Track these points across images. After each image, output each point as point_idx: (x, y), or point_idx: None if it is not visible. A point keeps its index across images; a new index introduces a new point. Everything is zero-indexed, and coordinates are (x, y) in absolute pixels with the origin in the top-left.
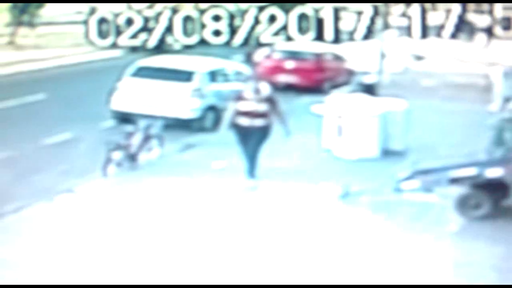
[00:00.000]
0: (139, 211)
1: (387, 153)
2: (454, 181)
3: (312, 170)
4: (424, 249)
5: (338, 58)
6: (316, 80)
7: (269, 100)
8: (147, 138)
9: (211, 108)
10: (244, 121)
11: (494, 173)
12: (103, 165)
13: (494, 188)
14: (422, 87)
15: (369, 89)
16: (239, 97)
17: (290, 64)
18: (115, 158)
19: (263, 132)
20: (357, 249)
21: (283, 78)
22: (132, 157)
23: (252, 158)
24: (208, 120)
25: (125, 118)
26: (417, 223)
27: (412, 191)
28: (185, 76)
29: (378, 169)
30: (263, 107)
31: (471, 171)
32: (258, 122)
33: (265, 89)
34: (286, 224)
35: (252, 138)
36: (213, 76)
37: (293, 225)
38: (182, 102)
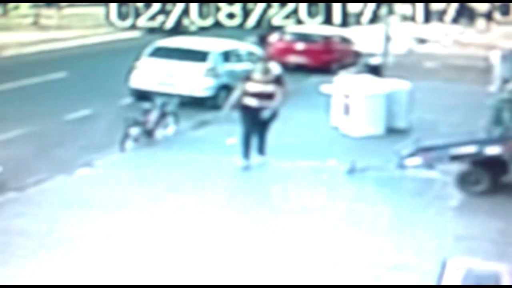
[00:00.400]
0: (154, 184)
1: (391, 131)
2: (455, 158)
3: (320, 147)
4: (426, 223)
5: (345, 40)
6: (324, 61)
7: (277, 81)
8: (163, 115)
9: (225, 87)
10: (252, 102)
11: (493, 150)
12: (121, 141)
13: (493, 165)
14: (425, 68)
15: (375, 70)
16: (247, 78)
17: (300, 46)
18: (132, 134)
19: (271, 113)
20: (362, 222)
21: (293, 59)
22: (149, 133)
23: (261, 138)
24: (221, 98)
25: (142, 96)
26: (420, 198)
27: (415, 167)
28: (200, 56)
29: (382, 146)
30: (271, 88)
31: (471, 149)
32: (267, 104)
33: (275, 68)
34: (295, 198)
35: (260, 120)
36: (226, 56)
37: (301, 199)
38: (197, 81)
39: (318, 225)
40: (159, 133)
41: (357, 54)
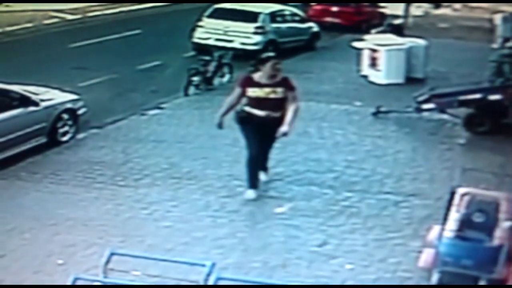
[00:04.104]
0: (212, 123)
1: (410, 80)
2: (463, 103)
3: (351, 92)
4: (438, 157)
5: (373, 4)
6: (355, 21)
7: (285, 85)
8: (220, 66)
9: (271, 42)
10: (257, 112)
11: (494, 97)
12: (185, 86)
13: (494, 109)
14: (439, 28)
15: (397, 29)
16: (249, 81)
17: (335, 8)
18: (194, 81)
19: (274, 124)
20: (385, 156)
21: (329, 19)
22: (208, 80)
23: (266, 153)
24: (268, 52)
25: (203, 49)
26: (433, 136)
27: (430, 111)
28: (251, 16)
29: (403, 93)
30: (280, 93)
31: (477, 96)
32: (276, 113)
33: (314, 27)
34: (329, 135)
35: (268, 132)
36: (273, 17)
37: (334, 136)
38: (248, 37)
39: (349, 158)
40: (216, 80)
41: (383, 16)
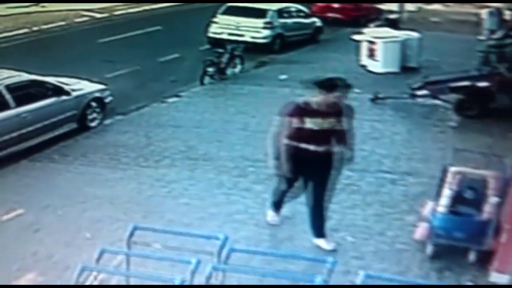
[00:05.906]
0: (225, 109)
1: (405, 69)
2: (454, 89)
3: (351, 80)
4: (432, 139)
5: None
6: (354, 16)
7: (348, 113)
8: (232, 57)
9: (278, 36)
10: (313, 147)
11: (482, 84)
12: (201, 77)
13: (482, 95)
14: (431, 22)
15: (393, 23)
16: (303, 111)
17: (336, 5)
18: (209, 72)
19: (330, 162)
20: (382, 138)
21: (331, 15)
22: (221, 71)
23: (321, 201)
24: (276, 44)
25: (217, 43)
26: (427, 119)
27: (423, 97)
28: (260, 13)
29: (398, 81)
30: (341, 125)
31: (466, 83)
32: (335, 148)
33: (318, 22)
34: None
35: (318, 172)
36: (280, 13)
37: None
38: (258, 31)
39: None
40: (229, 71)
41: (379, 11)
